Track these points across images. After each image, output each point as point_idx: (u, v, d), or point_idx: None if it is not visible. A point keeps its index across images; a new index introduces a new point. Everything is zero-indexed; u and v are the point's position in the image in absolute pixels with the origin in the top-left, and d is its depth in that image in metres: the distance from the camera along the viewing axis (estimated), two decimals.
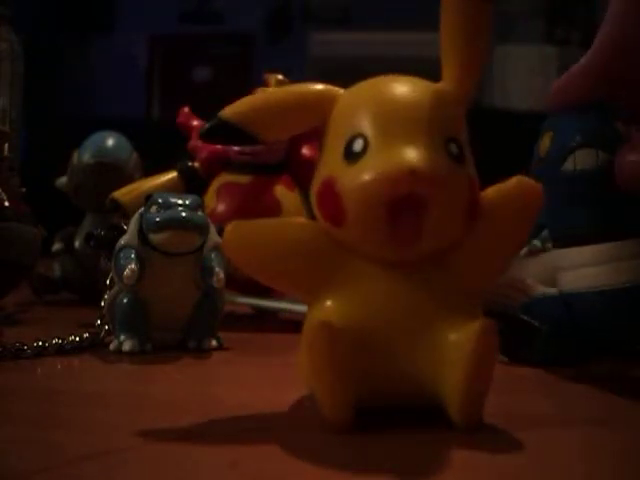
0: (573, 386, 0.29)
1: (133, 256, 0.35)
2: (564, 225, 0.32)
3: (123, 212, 0.46)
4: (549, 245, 0.45)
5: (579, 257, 0.31)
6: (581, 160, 0.30)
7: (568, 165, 0.30)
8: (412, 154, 0.21)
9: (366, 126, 0.23)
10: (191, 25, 2.10)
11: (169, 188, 0.47)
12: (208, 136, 0.25)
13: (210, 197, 0.47)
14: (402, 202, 0.21)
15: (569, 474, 0.20)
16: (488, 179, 0.24)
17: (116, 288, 0.36)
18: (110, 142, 0.55)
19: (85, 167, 0.54)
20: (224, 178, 0.48)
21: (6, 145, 0.46)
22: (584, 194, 0.31)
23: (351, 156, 0.23)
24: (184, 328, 0.37)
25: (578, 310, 0.31)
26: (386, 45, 1.80)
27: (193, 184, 0.49)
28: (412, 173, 0.21)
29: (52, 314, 0.51)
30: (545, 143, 0.32)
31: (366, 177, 0.22)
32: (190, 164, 0.50)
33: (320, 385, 0.22)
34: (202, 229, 0.35)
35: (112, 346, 0.36)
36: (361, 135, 0.23)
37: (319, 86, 0.25)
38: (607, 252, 0.30)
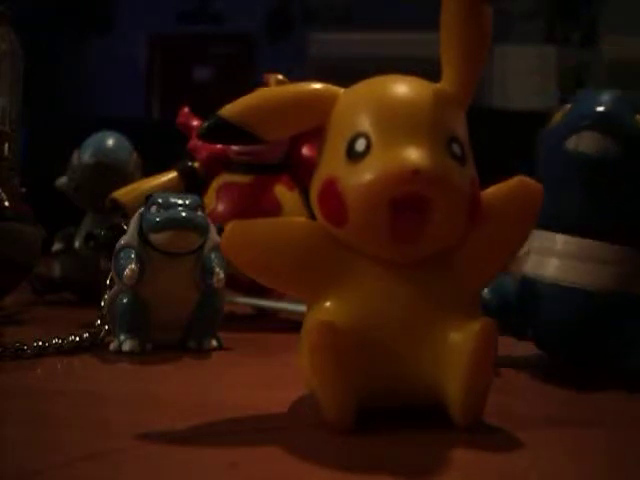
0: (572, 386, 0.29)
1: (133, 256, 0.35)
2: (553, 207, 0.30)
3: (123, 212, 0.46)
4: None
5: (560, 245, 0.30)
6: (584, 142, 0.28)
7: (570, 144, 0.29)
8: (415, 154, 0.22)
9: (369, 125, 0.23)
10: (191, 25, 2.10)
11: (169, 188, 0.47)
12: (207, 136, 0.25)
13: (210, 197, 0.47)
14: (405, 201, 0.21)
15: (568, 474, 0.20)
16: (488, 179, 0.24)
17: (116, 288, 0.36)
18: (110, 142, 0.55)
19: (85, 167, 0.54)
20: (224, 178, 0.48)
21: (6, 145, 0.46)
22: (578, 179, 0.29)
23: (354, 155, 0.22)
24: (184, 328, 0.37)
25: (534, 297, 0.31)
26: (386, 45, 1.80)
27: (193, 184, 0.49)
28: (415, 172, 0.21)
29: (52, 314, 0.51)
30: (557, 117, 0.30)
31: (369, 176, 0.22)
32: (190, 164, 0.50)
33: (321, 385, 0.22)
34: (202, 229, 0.35)
35: (112, 346, 0.36)
36: (364, 135, 0.23)
37: (319, 85, 0.25)
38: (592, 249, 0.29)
